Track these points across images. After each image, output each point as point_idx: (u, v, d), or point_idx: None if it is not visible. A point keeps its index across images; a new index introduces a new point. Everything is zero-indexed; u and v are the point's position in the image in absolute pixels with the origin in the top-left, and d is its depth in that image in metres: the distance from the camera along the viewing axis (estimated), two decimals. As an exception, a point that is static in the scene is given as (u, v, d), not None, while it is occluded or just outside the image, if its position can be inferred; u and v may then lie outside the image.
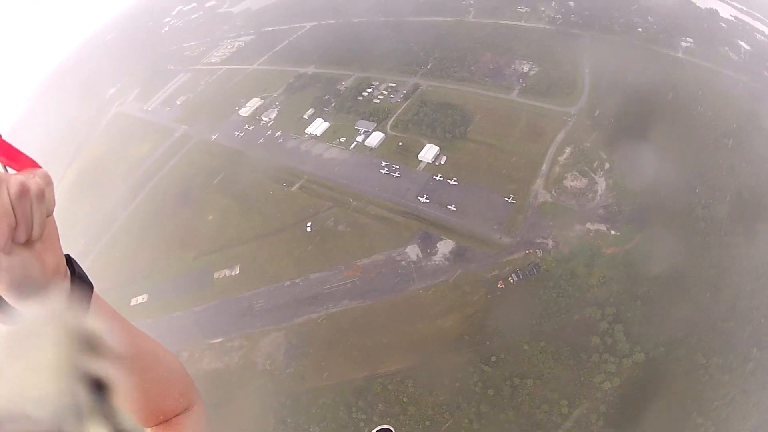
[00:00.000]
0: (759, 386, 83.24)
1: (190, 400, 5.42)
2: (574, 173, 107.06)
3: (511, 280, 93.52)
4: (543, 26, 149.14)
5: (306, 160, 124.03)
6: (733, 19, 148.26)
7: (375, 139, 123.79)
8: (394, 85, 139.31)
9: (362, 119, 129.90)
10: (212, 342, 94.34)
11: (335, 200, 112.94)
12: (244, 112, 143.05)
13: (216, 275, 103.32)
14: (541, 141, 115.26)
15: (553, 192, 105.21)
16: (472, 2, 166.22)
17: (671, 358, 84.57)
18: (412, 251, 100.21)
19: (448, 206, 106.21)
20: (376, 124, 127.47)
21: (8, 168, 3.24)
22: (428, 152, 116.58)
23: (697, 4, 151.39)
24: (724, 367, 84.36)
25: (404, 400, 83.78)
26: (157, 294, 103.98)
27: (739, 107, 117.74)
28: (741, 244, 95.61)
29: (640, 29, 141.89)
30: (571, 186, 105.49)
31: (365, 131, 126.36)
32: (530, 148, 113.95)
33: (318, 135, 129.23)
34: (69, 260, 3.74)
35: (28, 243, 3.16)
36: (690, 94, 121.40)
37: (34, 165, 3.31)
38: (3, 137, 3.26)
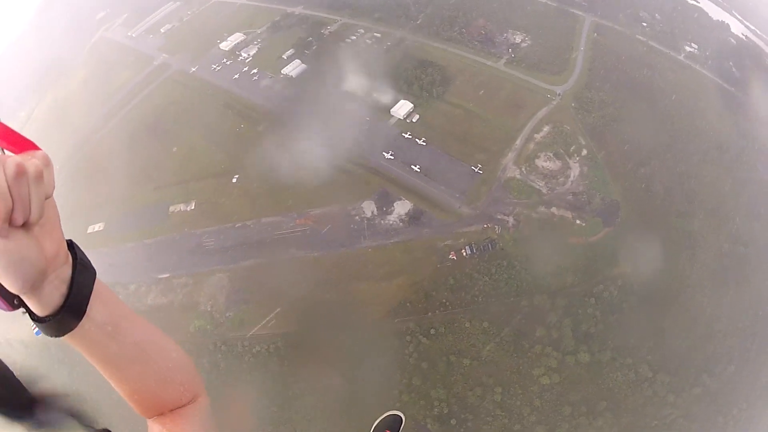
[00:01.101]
0: (703, 415, 79.78)
1: (194, 392, 5.07)
2: (549, 154, 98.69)
3: (464, 253, 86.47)
4: (544, 0, 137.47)
5: (276, 99, 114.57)
6: (743, 37, 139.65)
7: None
8: (379, 35, 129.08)
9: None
10: (159, 277, 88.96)
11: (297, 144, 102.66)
12: (225, 46, 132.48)
13: (172, 209, 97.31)
14: (521, 115, 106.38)
15: (523, 169, 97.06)
16: None
17: (617, 365, 79.82)
18: (368, 207, 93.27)
19: (413, 166, 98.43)
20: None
21: (6, 151, 3.21)
22: (401, 108, 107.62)
23: (710, 14, 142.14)
24: (670, 386, 79.66)
25: (335, 361, 78.29)
26: (114, 223, 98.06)
27: (732, 123, 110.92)
28: (711, 263, 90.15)
29: (644, 24, 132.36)
30: (542, 166, 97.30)
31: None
32: (507, 121, 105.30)
33: (293, 76, 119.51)
34: (71, 245, 3.68)
35: (26, 226, 3.07)
36: (684, 99, 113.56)
37: (33, 147, 3.33)
38: (1, 120, 3.22)
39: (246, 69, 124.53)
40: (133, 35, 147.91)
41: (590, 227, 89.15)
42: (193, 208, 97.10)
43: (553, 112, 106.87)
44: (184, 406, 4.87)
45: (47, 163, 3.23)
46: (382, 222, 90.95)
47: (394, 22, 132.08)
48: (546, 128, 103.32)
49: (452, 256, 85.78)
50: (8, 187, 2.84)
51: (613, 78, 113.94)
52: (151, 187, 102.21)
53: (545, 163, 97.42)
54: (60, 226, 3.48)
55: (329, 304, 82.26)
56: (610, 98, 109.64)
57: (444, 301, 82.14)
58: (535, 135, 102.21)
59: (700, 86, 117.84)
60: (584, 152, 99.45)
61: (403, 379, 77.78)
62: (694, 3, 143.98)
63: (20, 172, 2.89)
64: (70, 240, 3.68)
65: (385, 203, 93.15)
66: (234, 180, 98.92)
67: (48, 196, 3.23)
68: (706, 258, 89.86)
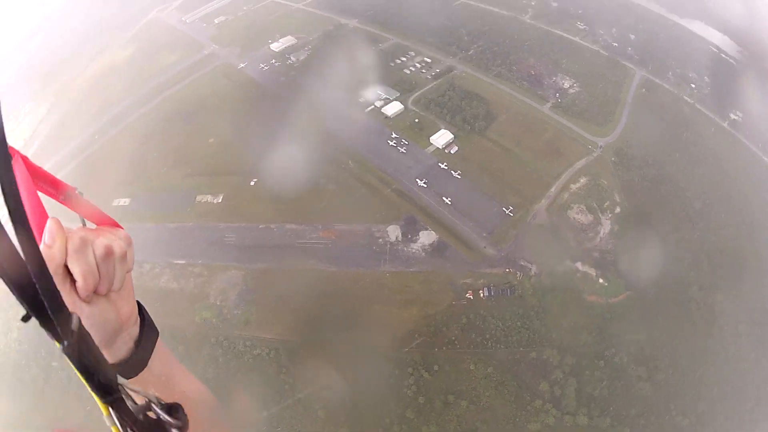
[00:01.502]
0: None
1: (219, 424, 5.44)
2: (582, 206, 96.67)
3: (482, 294, 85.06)
4: (597, 49, 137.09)
5: (318, 110, 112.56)
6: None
7: (393, 108, 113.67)
8: (429, 60, 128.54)
9: (386, 85, 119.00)
10: (175, 262, 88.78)
11: (334, 158, 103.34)
12: (276, 47, 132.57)
13: (199, 198, 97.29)
14: (559, 162, 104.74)
15: (554, 217, 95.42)
16: (533, 3, 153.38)
17: (613, 434, 76.89)
18: (393, 232, 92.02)
19: (444, 198, 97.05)
20: (399, 94, 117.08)
21: (86, 222, 4.05)
22: (441, 137, 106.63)
23: (759, 83, 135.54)
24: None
25: (333, 377, 75.50)
26: (139, 201, 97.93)
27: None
28: (726, 341, 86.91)
29: (693, 85, 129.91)
30: (574, 218, 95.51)
31: (386, 98, 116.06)
32: (545, 166, 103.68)
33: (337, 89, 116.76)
34: (139, 306, 4.39)
35: (108, 295, 3.81)
36: (723, 168, 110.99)
37: (114, 224, 4.14)
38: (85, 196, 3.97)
39: (293, 73, 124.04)
40: (187, 21, 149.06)
41: (612, 288, 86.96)
42: (220, 201, 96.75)
43: (592, 164, 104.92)
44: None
45: (130, 243, 3.94)
46: (405, 249, 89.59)
47: (445, 50, 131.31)
48: (583, 180, 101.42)
49: (469, 295, 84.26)
50: (97, 265, 3.56)
51: (656, 137, 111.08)
52: (181, 174, 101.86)
53: (577, 215, 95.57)
54: (133, 294, 4.20)
55: (337, 321, 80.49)
56: (651, 157, 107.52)
57: (453, 338, 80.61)
58: (571, 185, 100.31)
59: (741, 157, 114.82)
60: (618, 210, 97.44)
61: (398, 410, 75.88)
62: (743, 69, 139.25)
63: (108, 254, 3.64)
64: (138, 301, 4.37)
65: (410, 230, 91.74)
66: (252, 183, 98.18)
67: (128, 271, 3.96)
68: (723, 335, 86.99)
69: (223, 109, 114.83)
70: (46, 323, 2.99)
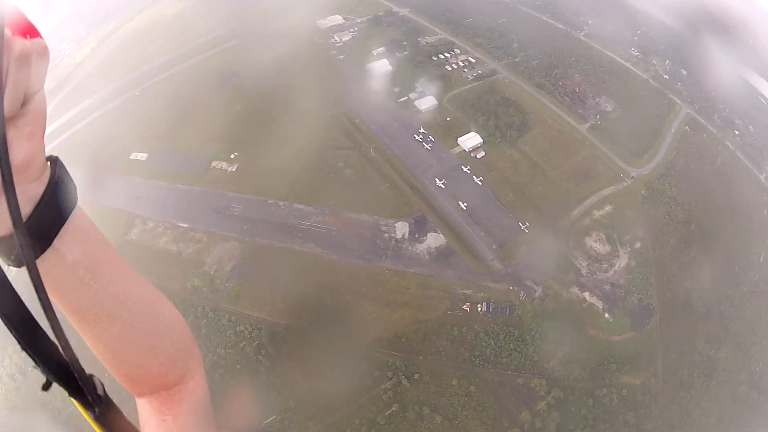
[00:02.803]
0: None
1: (187, 367, 4.31)
2: (601, 235, 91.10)
3: (479, 309, 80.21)
4: (646, 78, 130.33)
5: (351, 93, 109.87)
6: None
7: (426, 103, 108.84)
8: (473, 60, 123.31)
9: (425, 79, 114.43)
10: (178, 224, 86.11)
11: (357, 143, 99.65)
12: (322, 24, 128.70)
13: (214, 164, 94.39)
14: (587, 185, 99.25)
15: (570, 242, 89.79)
16: (590, 22, 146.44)
17: (590, 477, 71.99)
18: (401, 228, 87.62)
19: (460, 202, 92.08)
20: (435, 90, 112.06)
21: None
22: (470, 140, 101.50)
23: None
24: None
25: (310, 368, 72.79)
26: (156, 158, 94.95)
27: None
28: (722, 401, 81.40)
29: (737, 132, 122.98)
30: (591, 245, 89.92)
31: (421, 91, 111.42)
32: (572, 187, 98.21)
33: (376, 75, 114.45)
34: (54, 163, 3.07)
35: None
36: (753, 221, 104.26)
37: (35, 34, 2.64)
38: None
39: (334, 53, 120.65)
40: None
41: (616, 325, 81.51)
42: (234, 170, 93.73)
43: (620, 194, 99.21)
44: (176, 385, 4.11)
45: (41, 51, 2.57)
46: (410, 248, 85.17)
47: (492, 53, 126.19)
48: (607, 207, 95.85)
49: (466, 307, 79.55)
50: (8, 65, 2.33)
51: (691, 178, 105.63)
52: (202, 137, 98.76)
53: (595, 243, 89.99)
54: (42, 134, 2.80)
55: (326, 311, 77.32)
56: (682, 198, 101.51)
57: (440, 349, 76.07)
58: (595, 211, 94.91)
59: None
60: (638, 245, 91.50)
61: (369, 413, 72.11)
62: None
63: (25, 53, 2.42)
64: (55, 157, 3.08)
65: (419, 230, 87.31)
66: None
67: (32, 92, 2.59)
68: (720, 394, 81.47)
69: (256, 78, 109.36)
70: (75, 392, 2.75)
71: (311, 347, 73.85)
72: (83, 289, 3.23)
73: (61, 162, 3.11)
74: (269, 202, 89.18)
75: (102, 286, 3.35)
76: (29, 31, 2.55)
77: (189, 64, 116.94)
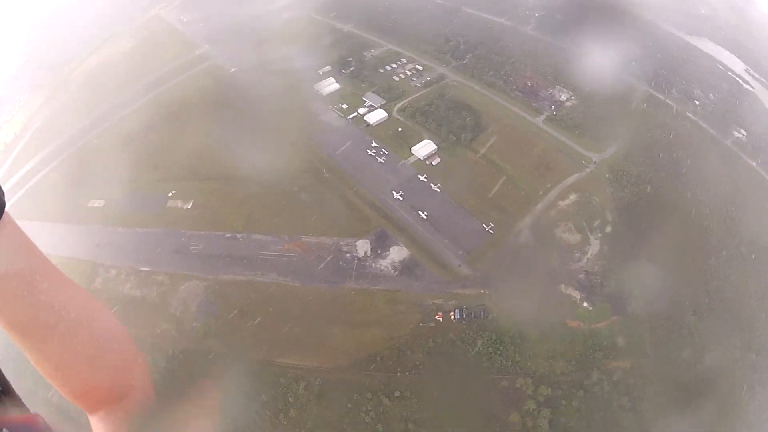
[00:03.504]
0: None
1: (133, 379, 4.32)
2: (569, 225, 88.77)
3: (452, 317, 77.31)
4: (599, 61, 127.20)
5: (300, 115, 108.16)
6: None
7: (377, 116, 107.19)
8: (421, 68, 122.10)
9: (373, 92, 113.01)
10: (140, 269, 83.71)
11: (310, 166, 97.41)
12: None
13: (170, 204, 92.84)
14: (549, 177, 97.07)
15: (538, 236, 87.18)
16: (537, 15, 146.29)
17: (590, 470, 68.99)
18: (362, 246, 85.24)
19: (420, 212, 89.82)
20: (384, 102, 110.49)
21: None
22: (424, 148, 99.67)
23: (764, 102, 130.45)
24: None
25: (290, 399, 70.71)
26: (114, 203, 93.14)
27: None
28: (717, 369, 77.64)
29: (697, 102, 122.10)
30: (560, 237, 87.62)
31: (370, 105, 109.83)
32: (533, 181, 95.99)
33: (323, 94, 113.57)
34: None
35: None
36: (725, 190, 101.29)
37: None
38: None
39: (280, 78, 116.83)
40: (185, 20, 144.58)
41: (597, 313, 78.70)
42: (189, 207, 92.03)
43: (584, 181, 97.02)
44: (124, 397, 4.11)
45: None
46: (373, 265, 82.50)
47: (439, 58, 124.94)
48: (573, 196, 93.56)
49: (438, 317, 76.72)
50: None
51: (656, 154, 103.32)
52: (156, 177, 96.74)
53: (564, 234, 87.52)
54: None
55: (297, 340, 74.48)
56: (648, 175, 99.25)
57: (418, 363, 73.05)
58: (560, 202, 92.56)
59: (743, 177, 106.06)
60: (608, 229, 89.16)
61: (353, 437, 69.23)
62: (749, 88, 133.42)
63: None
64: None
65: (381, 246, 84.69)
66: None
67: None
68: (713, 363, 77.99)
69: (205, 111, 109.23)
70: None
71: (287, 379, 71.82)
72: (17, 300, 3.21)
73: None
74: (227, 236, 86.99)
75: (36, 297, 3.33)
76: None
77: (141, 103, 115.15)
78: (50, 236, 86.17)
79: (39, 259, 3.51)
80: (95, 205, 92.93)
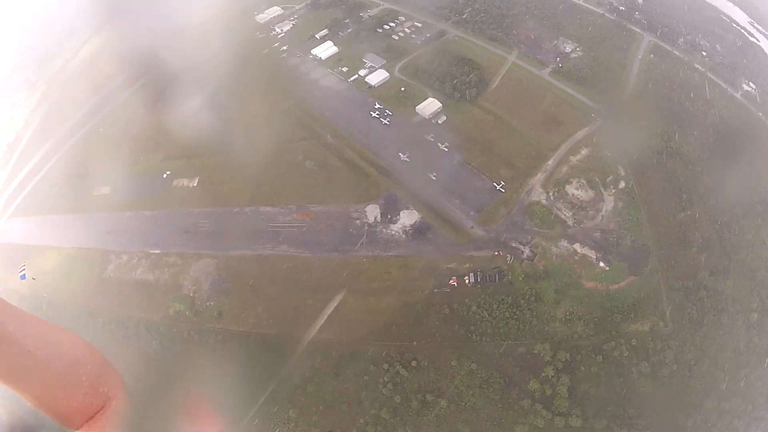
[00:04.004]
0: None
1: (107, 391, 4.48)
2: (582, 181, 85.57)
3: (467, 281, 75.12)
4: (602, 12, 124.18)
5: (301, 82, 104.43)
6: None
7: (378, 77, 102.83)
8: (420, 25, 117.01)
9: (373, 53, 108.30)
10: (151, 252, 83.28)
11: (313, 132, 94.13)
12: (261, 18, 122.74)
13: (175, 183, 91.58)
14: (558, 132, 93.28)
15: (550, 194, 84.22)
16: None
17: (610, 436, 68.40)
18: (372, 212, 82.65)
19: (429, 173, 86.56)
20: (385, 62, 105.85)
21: None
22: (428, 106, 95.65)
23: None
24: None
25: (307, 374, 70.60)
26: (119, 189, 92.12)
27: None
28: (736, 331, 76.97)
29: (704, 53, 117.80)
30: (573, 194, 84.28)
31: (371, 66, 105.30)
32: (543, 136, 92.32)
33: (322, 58, 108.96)
34: None
35: None
36: (736, 142, 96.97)
37: None
38: None
39: (276, 45, 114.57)
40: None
41: (613, 273, 76.21)
42: (195, 185, 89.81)
43: (594, 134, 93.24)
44: (102, 408, 4.34)
45: None
46: (384, 231, 79.90)
47: (438, 14, 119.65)
48: (584, 151, 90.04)
49: (453, 282, 74.31)
50: None
51: (665, 106, 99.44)
52: (160, 156, 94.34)
53: (576, 191, 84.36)
54: None
55: (311, 313, 72.76)
56: (659, 128, 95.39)
57: (433, 331, 71.20)
58: (571, 157, 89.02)
59: (755, 130, 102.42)
60: (622, 185, 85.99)
61: (372, 409, 68.39)
62: (755, 41, 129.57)
63: None
64: None
65: (390, 210, 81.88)
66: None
67: None
68: (734, 325, 76.72)
69: (202, 87, 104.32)
70: None
71: (301, 353, 70.77)
72: None
73: None
74: (235, 210, 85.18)
75: (12, 347, 3.49)
76: None
77: (136, 87, 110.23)
78: (60, 228, 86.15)
79: (5, 309, 3.52)
80: (101, 192, 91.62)
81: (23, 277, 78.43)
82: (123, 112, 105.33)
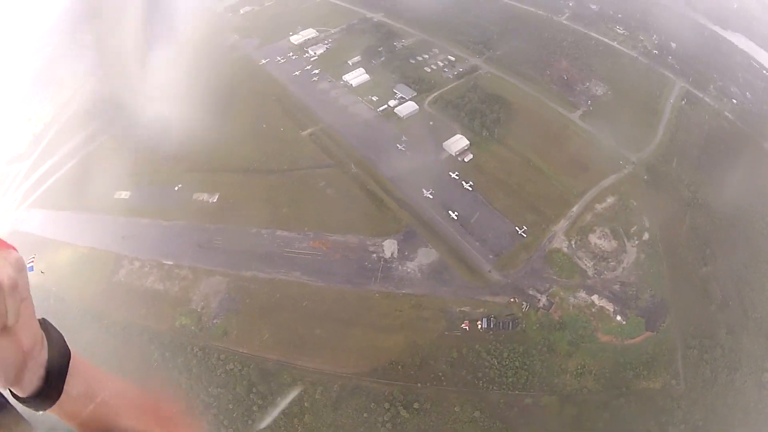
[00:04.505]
0: None
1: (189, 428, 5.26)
2: (606, 230, 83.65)
3: (479, 326, 72.98)
4: (635, 55, 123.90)
5: (329, 107, 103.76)
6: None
7: (407, 108, 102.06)
8: (453, 59, 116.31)
9: (404, 84, 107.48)
10: (163, 262, 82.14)
11: (337, 159, 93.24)
12: (295, 39, 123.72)
13: (195, 196, 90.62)
14: (585, 178, 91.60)
15: (572, 242, 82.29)
16: (570, 4, 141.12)
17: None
18: (389, 247, 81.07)
19: (450, 212, 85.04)
20: (415, 94, 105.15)
21: None
22: (456, 143, 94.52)
23: None
24: None
25: (306, 405, 68.46)
26: (139, 195, 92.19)
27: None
28: (748, 393, 74.02)
29: (734, 101, 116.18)
30: (595, 243, 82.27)
31: (401, 97, 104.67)
32: (570, 181, 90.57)
33: (353, 85, 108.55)
34: (44, 325, 3.86)
35: (4, 329, 3.24)
36: (764, 196, 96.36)
37: (4, 245, 3.35)
38: None
39: (308, 68, 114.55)
40: (216, 10, 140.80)
41: (630, 327, 73.76)
42: (215, 200, 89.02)
43: (621, 182, 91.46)
44: None
45: (21, 267, 3.28)
46: (400, 267, 78.20)
47: (471, 48, 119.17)
48: (610, 199, 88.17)
49: (465, 326, 72.25)
50: None
51: (694, 155, 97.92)
52: (183, 168, 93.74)
53: (599, 240, 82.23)
54: (35, 317, 3.59)
55: (317, 343, 71.47)
56: (687, 178, 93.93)
57: (440, 374, 69.10)
58: (596, 205, 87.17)
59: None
60: (646, 236, 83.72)
61: (368, 451, 65.78)
62: None
63: None
64: (43, 319, 3.84)
65: (408, 247, 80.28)
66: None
67: (23, 300, 3.31)
68: (746, 386, 73.94)
69: (232, 102, 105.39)
70: None
71: (304, 383, 69.19)
72: (86, 410, 3.92)
73: (49, 323, 3.82)
74: (252, 231, 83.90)
75: (101, 406, 4.05)
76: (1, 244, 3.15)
77: (169, 92, 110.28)
78: (77, 225, 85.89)
79: (98, 377, 4.11)
80: (121, 196, 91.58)
81: (31, 269, 77.50)
82: (151, 114, 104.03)
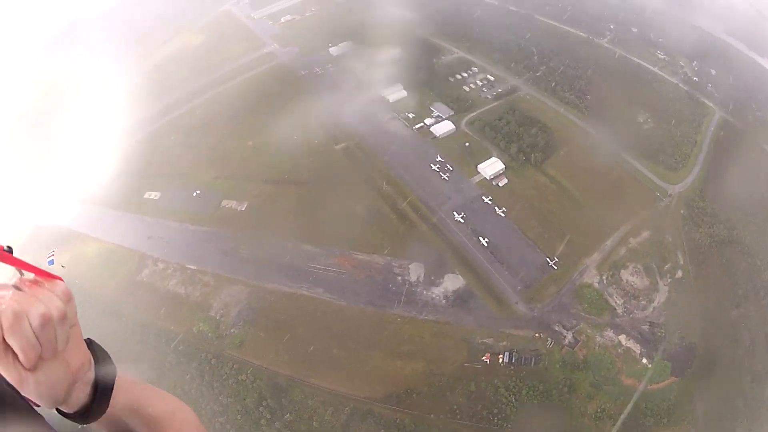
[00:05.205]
0: None
1: None
2: (639, 266, 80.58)
3: (501, 360, 70.55)
4: (675, 82, 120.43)
5: (365, 122, 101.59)
6: None
7: (443, 128, 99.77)
8: (492, 78, 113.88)
9: (441, 102, 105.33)
10: (187, 266, 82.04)
11: (369, 177, 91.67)
12: (334, 51, 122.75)
13: (224, 203, 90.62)
14: (622, 209, 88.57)
15: (604, 277, 79.23)
16: (612, 27, 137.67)
17: None
18: (416, 270, 78.96)
19: (481, 238, 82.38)
20: (452, 113, 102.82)
21: (23, 273, 3.41)
22: (491, 166, 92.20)
23: None
24: None
25: (315, 425, 67.00)
26: (168, 197, 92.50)
27: None
28: None
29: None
30: (627, 280, 79.21)
31: (437, 116, 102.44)
32: (605, 213, 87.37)
33: (390, 101, 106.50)
34: (90, 344, 4.00)
35: (54, 354, 3.41)
36: None
37: (50, 276, 3.49)
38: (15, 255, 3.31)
39: (347, 81, 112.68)
40: (255, 17, 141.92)
41: (656, 372, 70.86)
42: (243, 209, 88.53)
43: (657, 216, 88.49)
44: None
45: (69, 299, 3.48)
46: (425, 292, 76.10)
47: (512, 68, 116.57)
48: (645, 234, 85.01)
49: (485, 359, 69.89)
50: (36, 336, 3.19)
51: (731, 191, 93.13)
52: (213, 174, 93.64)
53: (631, 276, 79.13)
54: (82, 341, 3.80)
55: (333, 363, 70.22)
56: (724, 214, 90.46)
57: (455, 407, 66.86)
58: (631, 239, 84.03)
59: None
60: (679, 274, 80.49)
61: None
62: None
63: (46, 321, 3.23)
64: (90, 339, 4.01)
65: (435, 272, 78.06)
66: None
67: (72, 326, 3.54)
68: (765, 432, 70.07)
69: (269, 111, 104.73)
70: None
71: (314, 401, 68.13)
72: (129, 422, 4.10)
73: (95, 342, 3.99)
74: (277, 242, 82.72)
75: (142, 417, 4.22)
76: (49, 276, 3.34)
77: (205, 98, 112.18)
78: (105, 221, 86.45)
79: (141, 392, 4.28)
80: (151, 196, 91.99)
81: (51, 262, 77.57)
82: (187, 121, 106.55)
